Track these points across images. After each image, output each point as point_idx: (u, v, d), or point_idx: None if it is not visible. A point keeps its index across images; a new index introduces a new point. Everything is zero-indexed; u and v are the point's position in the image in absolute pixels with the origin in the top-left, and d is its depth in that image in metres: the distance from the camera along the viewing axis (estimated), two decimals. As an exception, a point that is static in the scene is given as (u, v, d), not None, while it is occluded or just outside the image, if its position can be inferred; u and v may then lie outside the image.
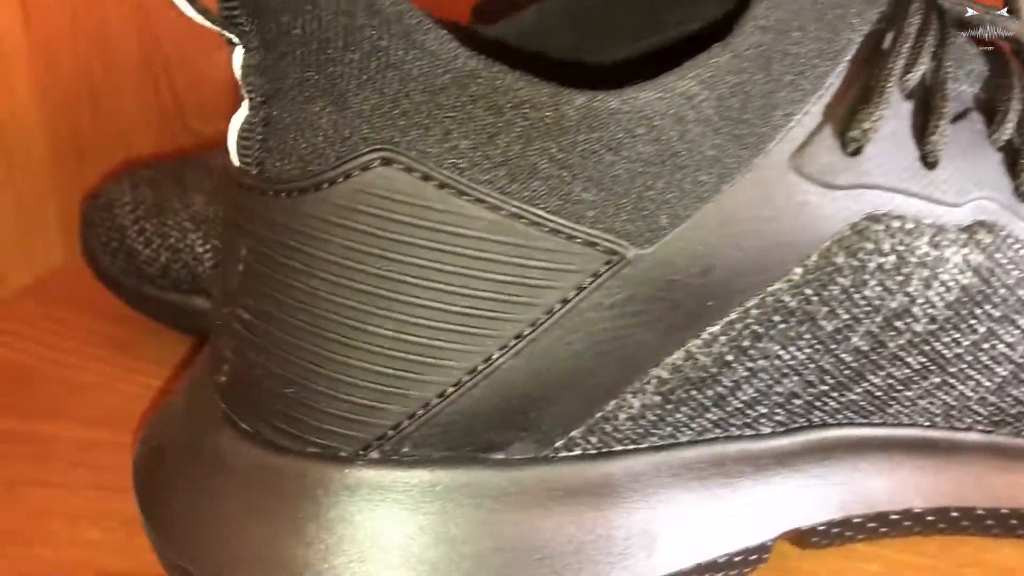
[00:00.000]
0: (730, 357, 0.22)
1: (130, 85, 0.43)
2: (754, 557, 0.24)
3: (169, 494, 0.23)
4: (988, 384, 0.24)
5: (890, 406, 0.24)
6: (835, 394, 0.24)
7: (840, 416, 0.24)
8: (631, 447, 0.23)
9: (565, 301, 0.21)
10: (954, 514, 0.26)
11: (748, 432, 0.24)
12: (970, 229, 0.23)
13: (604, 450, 0.23)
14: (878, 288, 0.22)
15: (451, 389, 0.21)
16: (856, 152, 0.21)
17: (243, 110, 0.21)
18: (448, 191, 0.20)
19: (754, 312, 0.22)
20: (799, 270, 0.22)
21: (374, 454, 0.21)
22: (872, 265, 0.22)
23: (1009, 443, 0.26)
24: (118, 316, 0.37)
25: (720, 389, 0.23)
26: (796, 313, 0.22)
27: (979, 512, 0.26)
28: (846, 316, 0.22)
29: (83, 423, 0.32)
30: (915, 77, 0.21)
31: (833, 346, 0.23)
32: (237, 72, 0.21)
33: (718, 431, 0.23)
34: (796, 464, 0.24)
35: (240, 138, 0.21)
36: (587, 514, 0.22)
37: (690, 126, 0.20)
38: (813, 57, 0.21)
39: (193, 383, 0.24)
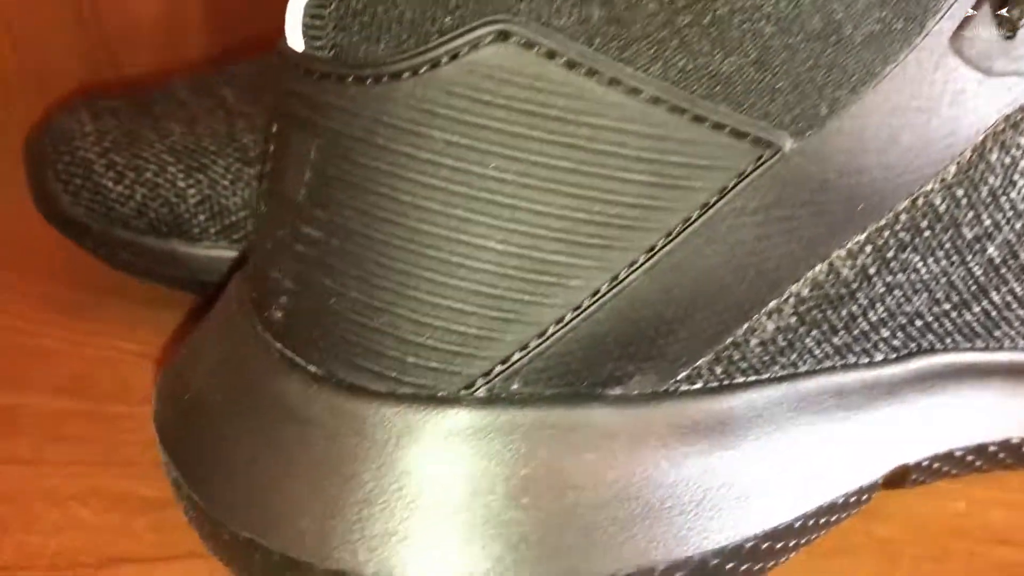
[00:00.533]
0: (872, 270, 0.20)
1: (53, 17, 0.38)
2: (865, 498, 0.22)
3: (224, 458, 0.19)
4: None
5: (999, 327, 0.22)
6: (954, 314, 0.22)
7: (948, 340, 0.22)
8: (753, 379, 0.20)
9: (706, 206, 0.18)
10: None
11: (863, 360, 0.21)
12: None
13: (726, 382, 0.20)
14: None
15: (571, 314, 0.18)
16: (1012, 34, 0.19)
17: None
18: (577, 71, 0.16)
19: (903, 218, 0.19)
20: (952, 168, 0.19)
21: (480, 392, 0.18)
22: (1023, 164, 0.20)
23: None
24: (72, 277, 0.33)
25: (854, 308, 0.20)
26: (943, 218, 0.20)
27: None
28: (988, 222, 0.20)
29: (48, 393, 0.28)
30: None
31: (969, 257, 0.20)
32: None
33: (836, 359, 0.21)
34: (905, 394, 0.22)
35: (310, 15, 0.17)
36: (711, 455, 0.19)
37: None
38: None
39: (227, 324, 0.20)
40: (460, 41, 0.16)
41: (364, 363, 0.18)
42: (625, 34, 0.16)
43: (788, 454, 0.20)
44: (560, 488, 0.18)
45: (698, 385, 0.19)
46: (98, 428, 0.26)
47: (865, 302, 0.20)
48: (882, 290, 0.20)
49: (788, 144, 0.17)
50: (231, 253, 0.28)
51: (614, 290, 0.18)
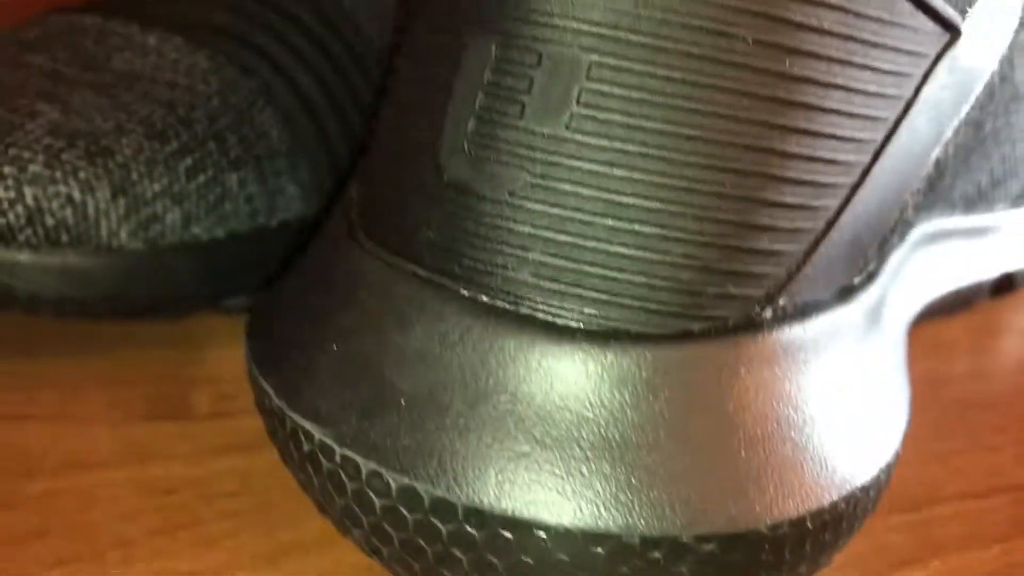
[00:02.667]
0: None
1: None
2: None
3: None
4: None
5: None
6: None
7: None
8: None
9: (917, 91, 0.18)
10: None
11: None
12: None
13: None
14: None
15: (832, 216, 0.17)
16: None
17: None
18: None
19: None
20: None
21: (767, 313, 0.17)
22: None
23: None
24: None
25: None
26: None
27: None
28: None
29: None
30: None
31: None
32: None
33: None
34: None
35: None
36: (877, 367, 0.20)
37: None
38: None
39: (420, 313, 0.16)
40: None
41: (657, 306, 0.16)
42: None
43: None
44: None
45: (873, 268, 0.20)
46: None
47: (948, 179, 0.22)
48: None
49: (962, 25, 0.19)
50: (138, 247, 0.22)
51: (859, 187, 0.18)
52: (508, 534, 0.15)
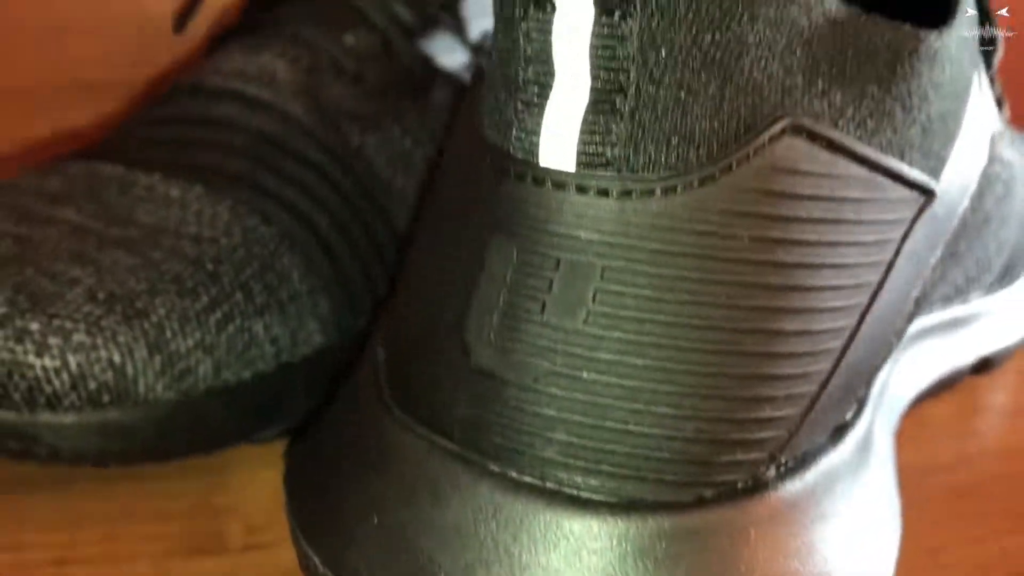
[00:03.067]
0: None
1: None
2: None
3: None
4: None
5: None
6: None
7: None
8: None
9: (897, 253, 0.20)
10: None
11: None
12: None
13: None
14: None
15: (827, 376, 0.19)
16: None
17: (573, 97, 0.16)
18: (837, 153, 0.18)
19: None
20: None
21: (771, 472, 0.18)
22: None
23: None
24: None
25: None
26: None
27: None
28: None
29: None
30: None
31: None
32: (576, 42, 0.16)
33: None
34: None
35: (587, 132, 0.16)
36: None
37: (965, 60, 0.20)
38: None
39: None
40: (758, 140, 0.17)
41: (671, 476, 0.17)
42: (858, 114, 0.18)
43: None
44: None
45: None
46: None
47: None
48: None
49: (935, 185, 0.20)
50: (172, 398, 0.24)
51: (853, 341, 0.19)
52: None
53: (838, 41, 0.18)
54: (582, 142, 0.16)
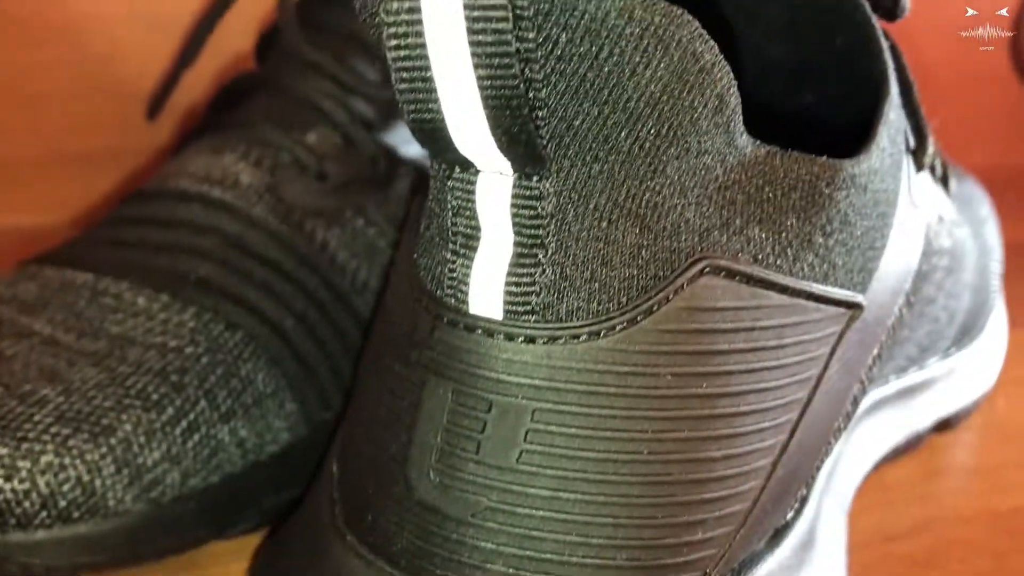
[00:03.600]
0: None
1: None
2: None
3: None
4: None
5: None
6: None
7: None
8: None
9: (825, 366, 0.21)
10: None
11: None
12: None
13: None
14: None
15: (758, 494, 0.20)
16: None
17: (498, 250, 0.17)
18: (756, 285, 0.18)
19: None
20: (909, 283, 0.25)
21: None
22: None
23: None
24: None
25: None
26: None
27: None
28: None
29: None
30: None
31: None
32: (498, 201, 0.17)
33: None
34: None
35: (513, 283, 0.17)
36: None
37: (883, 184, 0.21)
38: None
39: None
40: (677, 282, 0.17)
41: None
42: (778, 246, 0.19)
43: None
44: None
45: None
46: None
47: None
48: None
49: (861, 298, 0.21)
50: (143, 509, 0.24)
51: (780, 461, 0.20)
52: None
53: (755, 180, 0.18)
54: (508, 292, 0.17)
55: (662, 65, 0.16)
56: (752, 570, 0.20)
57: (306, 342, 0.28)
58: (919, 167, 0.24)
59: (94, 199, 0.46)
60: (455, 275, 0.18)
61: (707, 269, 0.18)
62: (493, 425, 0.18)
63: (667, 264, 0.18)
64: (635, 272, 0.17)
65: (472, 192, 0.17)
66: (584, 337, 0.17)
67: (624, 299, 0.17)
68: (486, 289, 0.17)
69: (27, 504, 0.23)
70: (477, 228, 0.17)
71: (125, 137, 0.46)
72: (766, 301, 0.19)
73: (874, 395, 0.29)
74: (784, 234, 0.19)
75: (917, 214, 0.24)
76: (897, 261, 0.23)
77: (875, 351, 0.23)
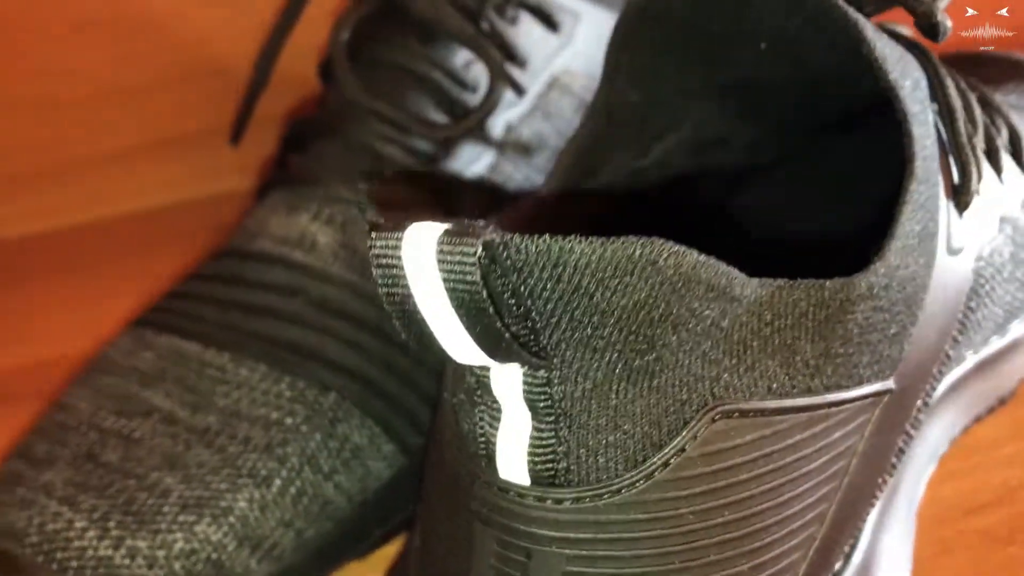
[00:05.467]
0: None
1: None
2: None
3: None
4: None
5: None
6: None
7: None
8: None
9: (857, 452, 0.22)
10: None
11: None
12: None
13: None
14: None
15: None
16: None
17: (519, 426, 0.19)
18: (770, 415, 0.19)
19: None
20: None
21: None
22: None
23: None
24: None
25: None
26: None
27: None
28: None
29: None
30: None
31: None
32: (512, 387, 0.18)
33: None
34: None
35: (535, 450, 0.19)
36: None
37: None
38: None
39: None
40: (689, 432, 0.19)
41: None
42: (798, 373, 0.20)
43: None
44: None
45: None
46: None
47: None
48: None
49: (892, 383, 0.22)
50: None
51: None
52: None
53: (763, 319, 0.19)
54: (531, 463, 0.19)
55: (646, 286, 0.17)
56: None
57: (391, 381, 0.30)
58: (962, 208, 0.24)
59: (197, 179, 0.49)
60: (484, 440, 0.19)
61: (718, 416, 0.19)
62: (534, 568, 0.20)
63: (679, 418, 0.19)
64: (647, 430, 0.19)
65: (487, 378, 0.19)
66: (607, 496, 0.19)
67: (640, 458, 0.19)
68: (512, 459, 0.19)
69: None
70: (498, 408, 0.19)
71: (219, 117, 0.48)
72: (784, 425, 0.20)
73: (952, 376, 0.29)
74: (799, 358, 0.20)
75: (960, 259, 0.24)
76: (932, 324, 0.23)
77: (918, 401, 0.24)
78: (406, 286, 0.17)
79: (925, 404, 0.25)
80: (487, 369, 0.19)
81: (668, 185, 0.28)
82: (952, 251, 0.24)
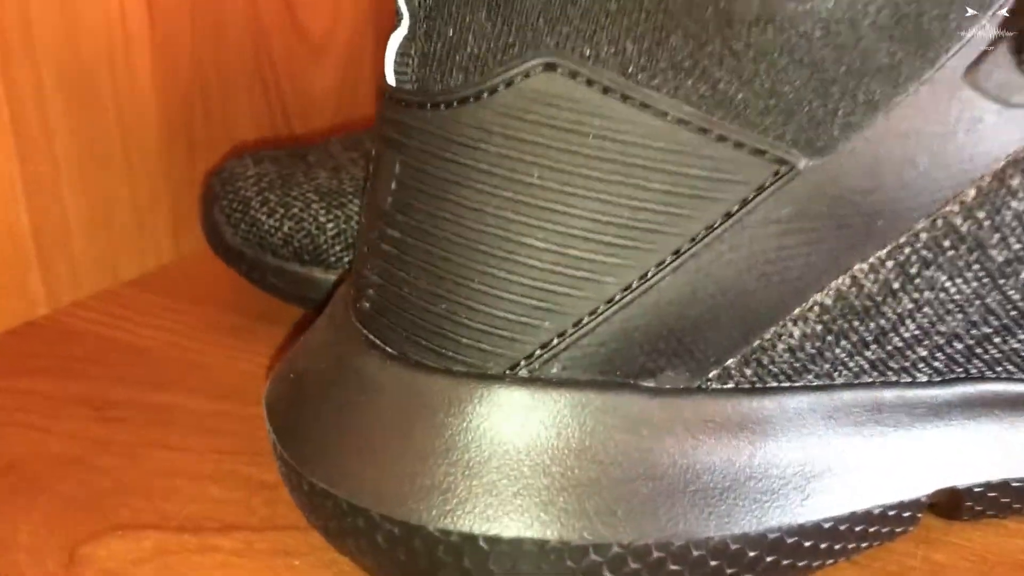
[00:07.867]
0: (896, 285, 0.21)
1: (241, 88, 0.44)
2: (907, 515, 0.23)
3: (310, 420, 0.22)
4: None
5: None
6: (997, 339, 0.23)
7: (999, 369, 0.23)
8: (786, 384, 0.22)
9: (728, 215, 0.20)
10: None
11: (905, 378, 0.23)
12: None
13: (759, 385, 0.22)
14: None
15: (604, 306, 0.20)
16: None
17: (401, 28, 0.21)
18: (612, 96, 0.19)
19: (923, 236, 0.21)
20: (972, 191, 0.21)
21: (522, 372, 0.21)
22: None
23: None
24: (230, 304, 0.38)
25: (883, 322, 0.22)
26: (967, 240, 0.21)
27: None
28: (1018, 246, 0.21)
29: (203, 396, 0.32)
30: None
31: (1001, 280, 0.22)
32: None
33: (875, 374, 0.22)
34: (952, 417, 0.23)
35: (399, 55, 0.21)
36: (741, 450, 0.21)
37: (865, 32, 0.19)
38: None
39: (330, 319, 0.24)
40: (514, 71, 0.20)
41: (429, 343, 0.21)
42: (654, 66, 0.19)
43: (819, 459, 0.22)
44: (588, 461, 0.20)
45: (729, 385, 0.21)
46: (238, 426, 0.30)
47: (894, 317, 0.22)
48: (910, 306, 0.22)
49: (803, 162, 0.20)
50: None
51: (642, 287, 0.20)
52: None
53: None
54: (396, 68, 0.21)
55: None
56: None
57: None
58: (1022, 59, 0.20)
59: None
60: (388, 51, 0.22)
61: (549, 65, 0.19)
62: (376, 173, 0.22)
63: (514, 53, 0.19)
64: (485, 54, 0.20)
65: None
66: (443, 106, 0.20)
67: (476, 78, 0.20)
68: (390, 61, 0.21)
69: (274, 239, 0.32)
70: (400, 12, 0.21)
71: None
72: (621, 114, 0.19)
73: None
74: (663, 53, 0.19)
75: (1015, 115, 0.20)
76: (918, 141, 0.20)
77: (886, 246, 0.21)
78: None
79: (907, 276, 0.21)
80: None
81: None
82: (1006, 102, 0.20)
